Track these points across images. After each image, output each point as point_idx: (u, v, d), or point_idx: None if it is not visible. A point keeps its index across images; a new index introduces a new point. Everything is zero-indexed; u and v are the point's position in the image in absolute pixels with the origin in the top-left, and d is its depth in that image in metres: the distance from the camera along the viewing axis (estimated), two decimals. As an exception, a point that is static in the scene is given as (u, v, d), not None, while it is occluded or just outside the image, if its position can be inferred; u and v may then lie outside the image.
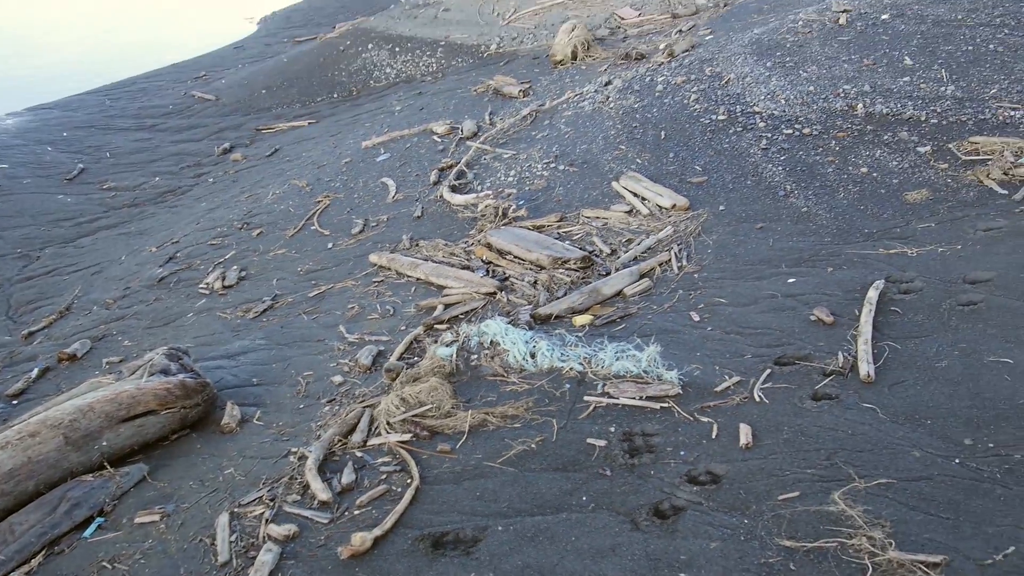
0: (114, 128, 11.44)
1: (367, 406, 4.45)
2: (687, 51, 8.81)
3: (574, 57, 10.14)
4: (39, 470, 3.91)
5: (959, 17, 8.16)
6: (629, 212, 6.34)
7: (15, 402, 5.24)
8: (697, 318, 4.88)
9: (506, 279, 5.71)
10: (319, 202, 7.59)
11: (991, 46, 7.57)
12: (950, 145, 6.47)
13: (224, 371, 5.02)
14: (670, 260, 5.63)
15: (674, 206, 6.26)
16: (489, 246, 6.12)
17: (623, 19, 11.38)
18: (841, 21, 8.41)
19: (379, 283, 5.96)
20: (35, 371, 5.51)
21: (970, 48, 7.58)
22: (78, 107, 12.41)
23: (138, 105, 12.26)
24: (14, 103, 12.71)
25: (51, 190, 9.64)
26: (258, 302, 6.05)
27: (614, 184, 6.66)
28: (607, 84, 8.53)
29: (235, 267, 6.68)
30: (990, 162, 6.19)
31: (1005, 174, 6.03)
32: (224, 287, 6.42)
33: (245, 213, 7.76)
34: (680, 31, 10.21)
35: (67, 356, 5.63)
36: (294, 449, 4.17)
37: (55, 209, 9.12)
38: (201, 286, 6.52)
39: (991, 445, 3.53)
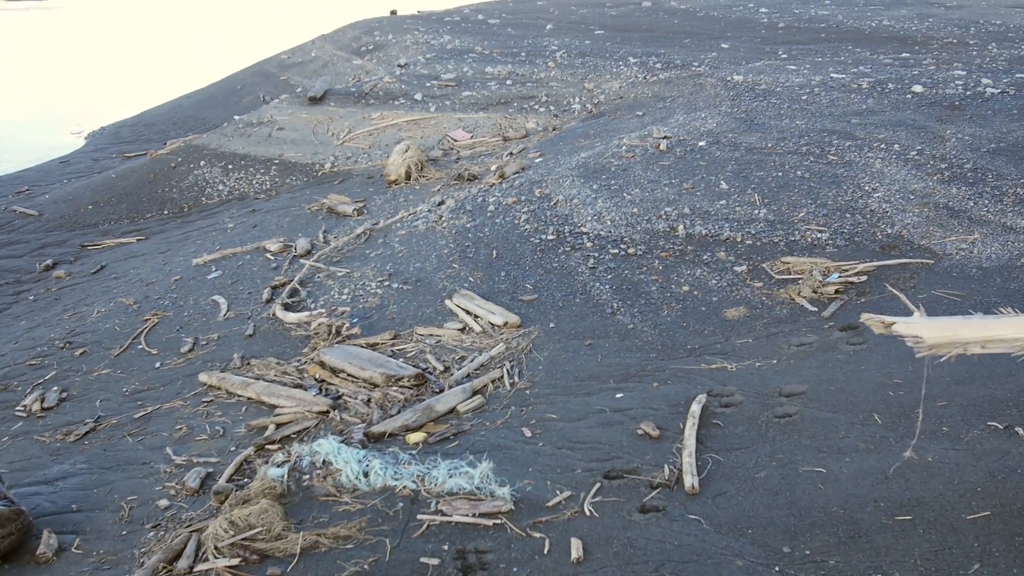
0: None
1: (194, 530, 4.34)
2: (517, 173, 9.10)
3: (408, 177, 10.33)
4: None
5: (769, 145, 8.72)
6: (462, 330, 6.44)
7: None
8: (529, 434, 4.96)
9: (339, 397, 5.69)
10: (147, 320, 7.43)
11: (798, 172, 8.11)
12: (764, 265, 6.85)
13: (41, 497, 4.80)
14: (502, 377, 5.73)
15: (506, 323, 6.40)
16: (322, 364, 6.10)
17: (456, 141, 11.68)
18: (662, 147, 8.87)
19: (209, 403, 5.84)
20: None
21: (779, 174, 8.10)
22: None
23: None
24: None
25: None
26: (80, 424, 5.83)
27: (447, 302, 6.77)
28: (440, 204, 8.71)
29: (55, 388, 6.43)
30: (800, 281, 6.58)
31: (814, 292, 6.42)
32: (43, 409, 6.17)
33: (68, 332, 7.51)
34: (511, 153, 10.54)
35: None
36: (114, 578, 4.01)
37: None
38: (18, 408, 6.24)
39: (807, 552, 3.70)
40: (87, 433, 5.71)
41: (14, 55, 27.83)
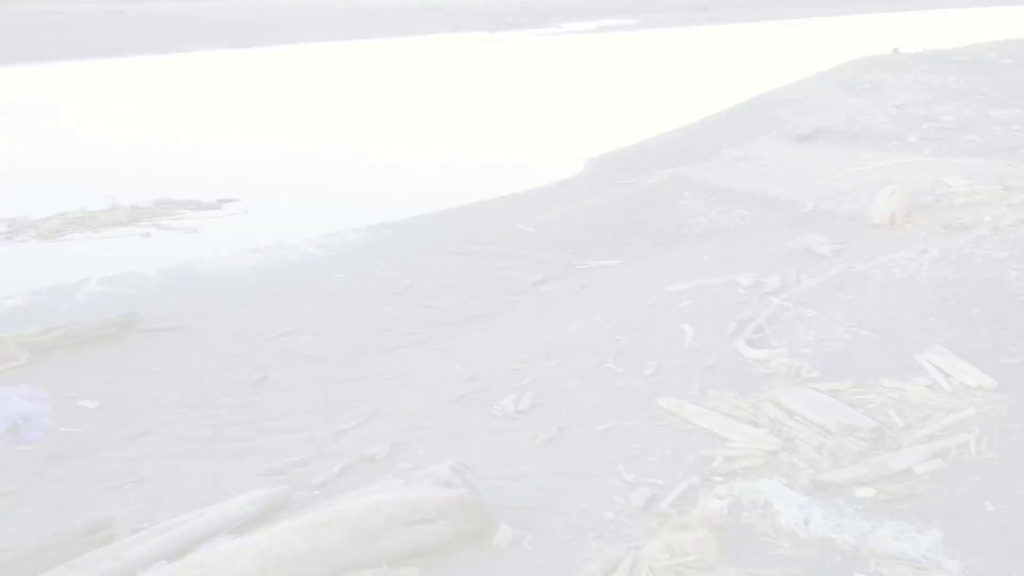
0: (441, 251, 12.32)
1: (632, 547, 4.53)
2: (1014, 225, 8.45)
3: (892, 222, 9.96)
4: (324, 558, 4.26)
5: None
6: (930, 387, 6.12)
7: (317, 492, 5.71)
8: (991, 508, 4.62)
9: (790, 440, 5.64)
10: (617, 340, 7.82)
11: None
12: None
13: (503, 492, 5.26)
14: (968, 443, 5.37)
15: (980, 386, 5.99)
16: (778, 404, 6.08)
17: (949, 187, 11.07)
18: None
19: (663, 427, 6.05)
20: (338, 467, 5.99)
21: None
22: (413, 229, 13.47)
23: (466, 231, 13.14)
24: (359, 221, 13.97)
25: (378, 302, 10.49)
26: (546, 430, 6.29)
27: (917, 356, 6.46)
28: (923, 252, 8.31)
29: (529, 393, 6.99)
30: None
31: None
32: (517, 411, 6.73)
33: (546, 343, 8.12)
34: (1010, 204, 9.80)
35: (367, 457, 6.08)
36: (556, 578, 4.31)
37: (379, 319, 9.90)
38: (496, 408, 6.86)
39: None
40: (551, 439, 6.15)
41: (518, 80, 30.36)
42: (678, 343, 7.55)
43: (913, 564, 4.13)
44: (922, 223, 9.86)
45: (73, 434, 7.45)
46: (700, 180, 12.77)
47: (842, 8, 64.76)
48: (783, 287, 8.38)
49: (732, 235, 11.17)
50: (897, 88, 17.16)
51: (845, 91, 18.38)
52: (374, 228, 13.63)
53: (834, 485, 5.02)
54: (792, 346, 6.93)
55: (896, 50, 23.45)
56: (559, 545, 4.69)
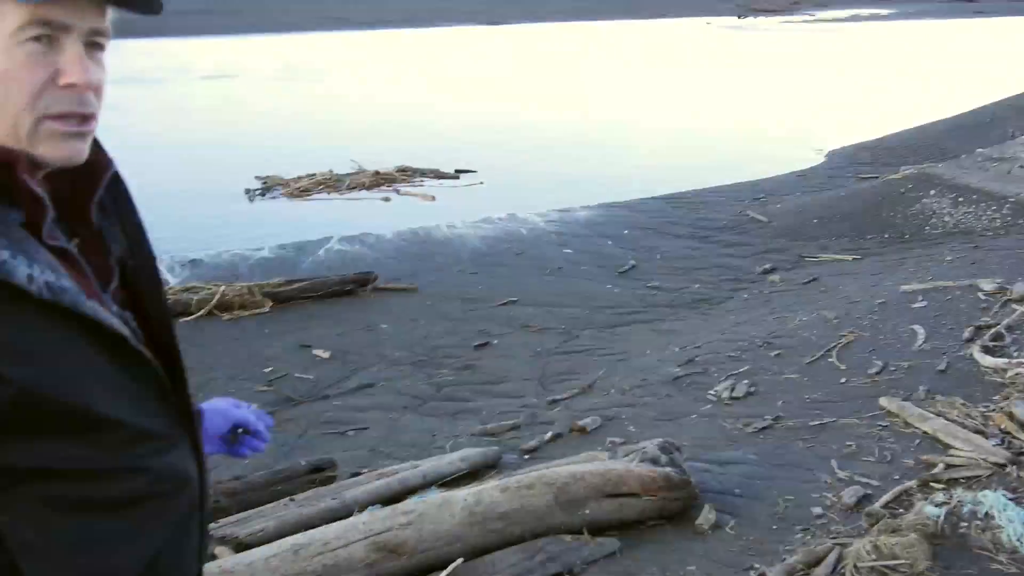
0: (670, 234, 12.26)
1: (839, 544, 4.42)
2: None
3: None
4: (527, 519, 4.37)
5: None
6: None
7: (526, 456, 5.85)
8: None
9: (1020, 454, 5.33)
10: (843, 336, 7.59)
11: None
12: None
13: (710, 475, 5.23)
14: None
15: None
16: (1011, 416, 5.75)
17: None
18: None
19: (883, 428, 5.84)
20: (548, 434, 6.11)
21: None
22: (642, 209, 13.47)
23: (695, 216, 13.03)
24: (590, 198, 14.08)
25: (603, 279, 10.57)
26: (759, 419, 6.20)
27: None
28: None
29: (746, 381, 6.89)
30: None
31: None
32: (731, 398, 6.66)
33: (768, 333, 7.97)
34: None
35: (578, 428, 6.17)
36: (756, 566, 4.26)
37: (602, 296, 9.98)
38: (710, 392, 6.81)
39: None
40: (764, 428, 6.05)
41: (764, 67, 29.62)
42: (908, 344, 7.24)
43: None
44: None
45: (306, 380, 7.91)
46: (949, 178, 12.15)
47: None
48: (1030, 295, 7.89)
49: (978, 238, 10.58)
50: None
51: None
52: (605, 206, 13.71)
53: (1066, 506, 4.71)
54: (1033, 357, 6.53)
55: None
56: (762, 533, 4.63)
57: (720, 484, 5.17)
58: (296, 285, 9.99)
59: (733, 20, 49.60)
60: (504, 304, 9.74)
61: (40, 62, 1.37)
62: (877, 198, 12.23)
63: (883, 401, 6.20)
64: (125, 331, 1.44)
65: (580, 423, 6.22)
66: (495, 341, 8.74)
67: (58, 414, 1.35)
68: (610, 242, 11.94)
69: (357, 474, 5.49)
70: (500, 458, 5.70)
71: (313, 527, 4.43)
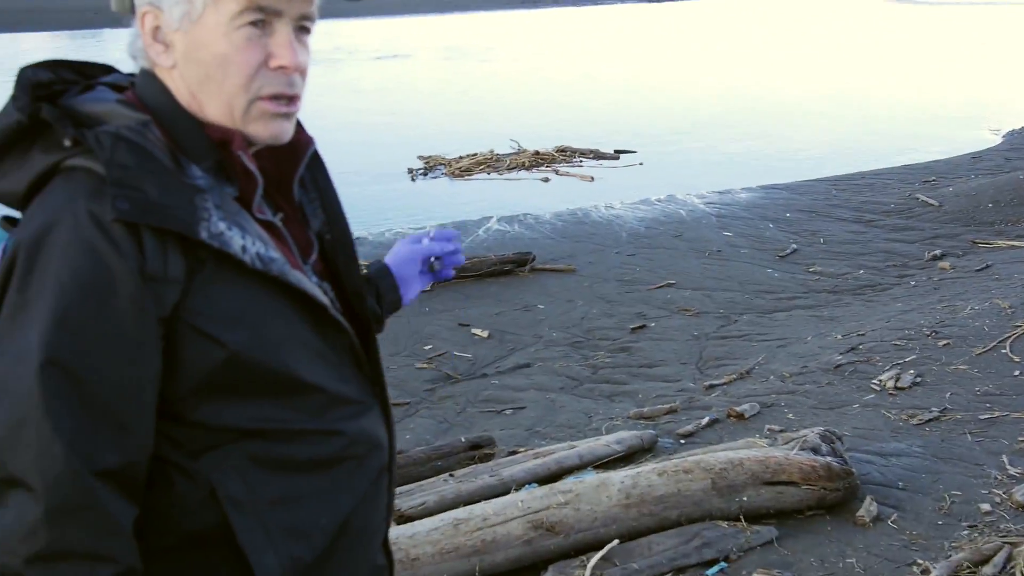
0: (833, 217, 11.96)
1: (1008, 543, 4.27)
2: None
3: None
4: (683, 504, 4.38)
5: None
6: None
7: (682, 441, 5.83)
8: None
9: None
10: (1018, 327, 7.28)
11: None
12: None
13: (872, 466, 5.11)
14: None
15: None
16: None
17: None
18: None
19: (1061, 423, 5.60)
20: (705, 419, 6.07)
21: None
22: (805, 192, 13.17)
23: (861, 199, 12.67)
24: (751, 180, 13.86)
25: (763, 263, 10.40)
26: (925, 411, 6.01)
27: None
28: None
29: (911, 371, 6.69)
30: None
31: None
32: (896, 388, 6.47)
33: (936, 322, 7.70)
34: None
35: (736, 414, 6.11)
36: (920, 561, 4.16)
37: (762, 281, 9.83)
38: (874, 382, 6.63)
39: None
40: (930, 420, 5.87)
41: (934, 45, 28.42)
42: (1094, 337, 6.90)
43: None
44: None
45: (465, 358, 8.07)
46: None
47: None
48: None
49: None
50: None
51: None
52: (765, 188, 13.47)
53: None
54: None
55: None
56: (926, 528, 4.51)
57: (882, 476, 5.06)
58: (456, 264, 10.17)
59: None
60: (661, 287, 9.70)
61: (255, 45, 1.47)
62: (1058, 181, 11.65)
63: (1061, 396, 5.94)
64: (325, 300, 1.56)
65: (738, 409, 6.16)
66: (652, 324, 8.72)
67: (265, 377, 1.47)
68: (771, 225, 11.73)
69: (514, 452, 5.58)
70: (656, 442, 5.70)
71: (471, 503, 4.54)
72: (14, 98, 1.44)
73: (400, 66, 23.85)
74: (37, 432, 1.32)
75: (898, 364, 6.89)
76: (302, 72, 1.53)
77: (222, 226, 1.41)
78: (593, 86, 22.78)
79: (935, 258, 10.16)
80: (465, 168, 15.07)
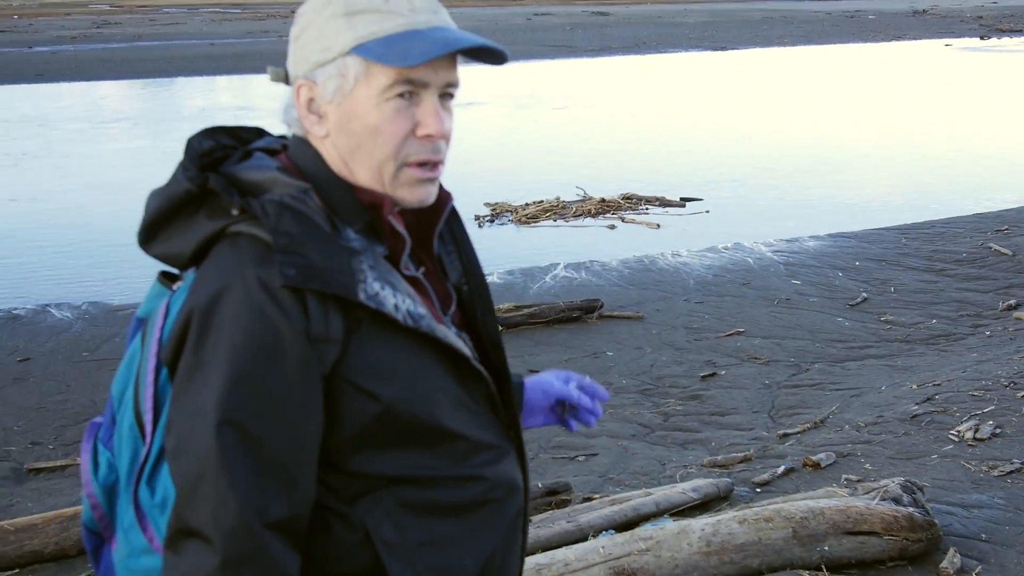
0: (904, 265, 11.86)
1: (1098, 598, 4.21)
2: None
3: None
4: (764, 552, 4.37)
5: None
6: None
7: (758, 490, 5.81)
8: None
9: None
10: (1098, 378, 7.17)
11: None
12: None
13: (954, 518, 5.06)
14: None
15: None
16: None
17: None
18: None
19: None
20: (781, 468, 6.05)
21: None
22: (875, 240, 13.08)
23: (932, 248, 12.55)
24: (819, 228, 13.80)
25: (833, 312, 10.34)
26: (1007, 462, 5.94)
27: None
28: None
29: (991, 422, 6.61)
30: None
31: None
32: (975, 439, 6.41)
33: (1014, 372, 7.61)
34: None
35: (812, 463, 6.08)
36: (1007, 614, 4.11)
37: (832, 330, 9.76)
38: (952, 432, 6.57)
39: None
40: (1012, 472, 5.79)
41: (1012, 91, 28.07)
42: None
43: None
44: None
45: (536, 404, 8.10)
46: None
47: None
48: None
49: None
50: None
51: None
52: (833, 236, 13.40)
53: None
54: None
55: None
56: (1012, 581, 4.46)
57: (964, 528, 5.00)
58: (524, 311, 10.24)
59: (975, 41, 47.29)
60: (730, 335, 9.68)
61: (404, 115, 1.58)
62: None
63: None
64: (468, 352, 1.64)
65: (813, 458, 6.14)
66: (722, 372, 8.70)
67: (415, 428, 1.56)
68: (840, 273, 11.66)
69: (589, 499, 5.60)
70: (732, 490, 5.70)
71: (549, 548, 4.58)
72: (184, 168, 1.56)
73: (475, 113, 24.14)
74: (215, 487, 1.43)
75: (976, 415, 6.82)
76: (447, 139, 1.62)
77: (377, 286, 1.51)
78: (660, 133, 22.87)
79: (1010, 308, 10.03)
80: (531, 215, 15.18)
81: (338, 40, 1.55)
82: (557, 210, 15.39)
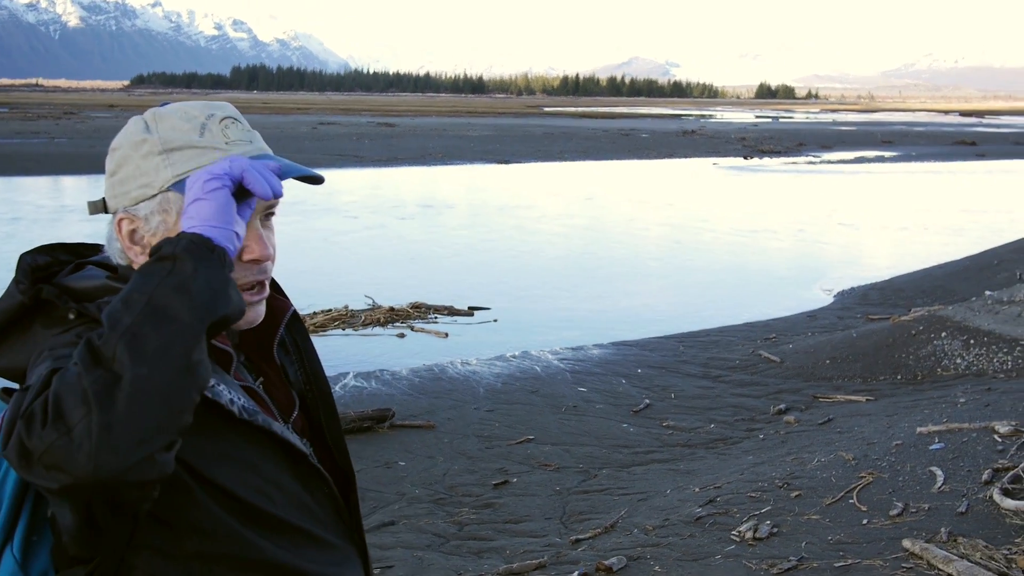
0: (682, 372, 12.40)
1: None
2: None
3: None
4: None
5: None
6: None
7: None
8: None
9: (1047, 597, 5.37)
10: (862, 478, 7.66)
11: None
12: None
13: (739, 617, 5.26)
14: None
15: None
16: (1035, 559, 5.80)
17: None
18: None
19: (908, 569, 5.88)
20: (575, 574, 6.14)
21: None
22: (655, 348, 13.64)
23: (707, 355, 13.19)
24: (603, 336, 14.28)
25: (618, 418, 10.66)
26: (784, 560, 6.23)
27: None
28: None
29: (768, 522, 6.93)
30: None
31: None
32: (755, 538, 6.70)
33: (787, 474, 8.03)
34: None
35: (604, 568, 6.20)
36: None
37: (618, 435, 10.06)
38: (733, 533, 6.84)
39: None
40: (789, 569, 6.08)
41: (770, 207, 30.21)
42: (927, 486, 7.31)
43: None
44: None
45: (327, 516, 7.92)
46: (959, 320, 12.35)
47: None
48: (1047, 438, 7.98)
49: (991, 380, 10.72)
50: None
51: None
52: (616, 344, 13.88)
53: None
54: (1054, 500, 6.59)
55: None
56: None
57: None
58: (315, 421, 10.06)
59: (740, 160, 50.71)
60: (521, 442, 9.81)
61: None
62: (888, 339, 12.40)
63: (906, 543, 6.25)
64: (305, 449, 1.66)
65: (606, 563, 6.26)
66: (514, 479, 8.79)
67: (249, 513, 1.55)
68: (624, 380, 12.07)
69: (386, 613, 5.50)
70: (528, 597, 5.72)
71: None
72: (17, 282, 1.54)
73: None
74: None
75: (755, 515, 7.14)
76: (272, 260, 1.65)
77: (212, 380, 1.50)
78: (448, 243, 23.24)
79: (780, 412, 10.61)
80: (320, 324, 15.04)
81: (158, 177, 1.57)
82: (346, 319, 15.31)
